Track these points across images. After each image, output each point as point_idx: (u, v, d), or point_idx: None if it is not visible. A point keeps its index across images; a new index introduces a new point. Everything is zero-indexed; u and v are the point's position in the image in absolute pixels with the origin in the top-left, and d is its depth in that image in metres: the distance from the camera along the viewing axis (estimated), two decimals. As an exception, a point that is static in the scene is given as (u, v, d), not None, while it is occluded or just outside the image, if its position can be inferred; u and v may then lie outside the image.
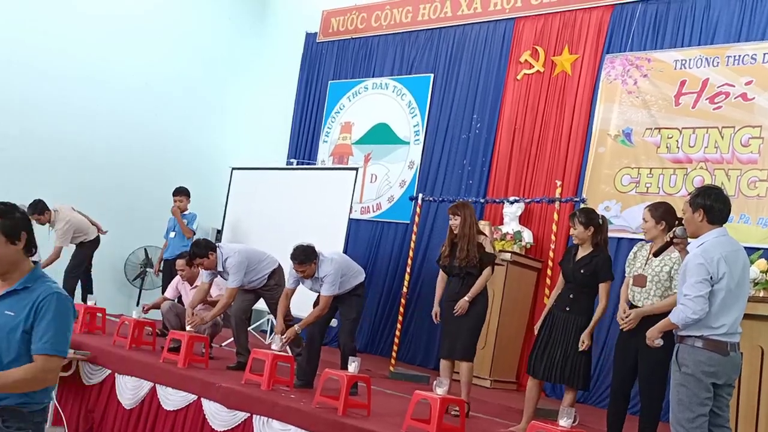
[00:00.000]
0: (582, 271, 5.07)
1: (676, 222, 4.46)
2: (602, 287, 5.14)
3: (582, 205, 8.25)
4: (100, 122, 10.85)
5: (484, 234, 6.04)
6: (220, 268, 6.53)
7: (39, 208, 8.42)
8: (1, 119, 9.85)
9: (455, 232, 5.89)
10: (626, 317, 4.66)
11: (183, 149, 11.79)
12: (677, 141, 8.00)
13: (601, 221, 5.23)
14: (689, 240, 4.04)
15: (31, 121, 10.14)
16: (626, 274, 4.93)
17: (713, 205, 3.89)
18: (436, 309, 5.98)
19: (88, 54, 10.68)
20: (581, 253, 5.20)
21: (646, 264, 4.76)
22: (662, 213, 4.68)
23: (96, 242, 9.15)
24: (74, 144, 10.57)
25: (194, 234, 9.16)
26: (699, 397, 3.74)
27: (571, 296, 5.15)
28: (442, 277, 6.13)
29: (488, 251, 5.81)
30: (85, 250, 9.00)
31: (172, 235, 9.47)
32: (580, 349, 4.96)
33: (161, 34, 11.57)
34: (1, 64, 9.83)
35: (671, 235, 4.16)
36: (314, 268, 6.02)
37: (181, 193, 9.37)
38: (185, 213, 9.23)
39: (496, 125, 9.60)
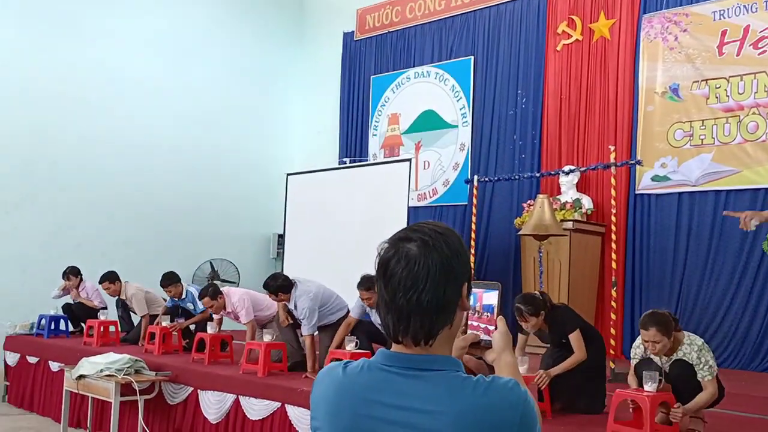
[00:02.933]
0: (564, 341, 4.90)
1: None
2: (572, 339, 4.80)
3: (638, 168, 8.30)
4: (160, 148, 11.21)
5: None
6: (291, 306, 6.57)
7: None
8: (60, 154, 10.27)
9: None
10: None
11: (238, 162, 12.11)
12: (726, 90, 7.93)
13: (542, 298, 4.97)
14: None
15: (90, 156, 10.54)
16: (631, 357, 4.49)
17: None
18: None
19: (141, 83, 11.03)
20: (545, 329, 4.96)
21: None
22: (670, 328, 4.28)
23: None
24: (135, 173, 10.95)
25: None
26: None
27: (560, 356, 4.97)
28: None
29: None
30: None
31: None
32: (537, 382, 4.64)
33: (208, 56, 11.86)
34: (54, 99, 10.20)
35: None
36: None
37: (170, 283, 7.92)
38: (183, 298, 8.05)
39: (542, 98, 9.64)
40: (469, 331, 1.60)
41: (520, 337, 5.17)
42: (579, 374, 4.74)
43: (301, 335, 6.87)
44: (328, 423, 1.46)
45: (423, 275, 1.40)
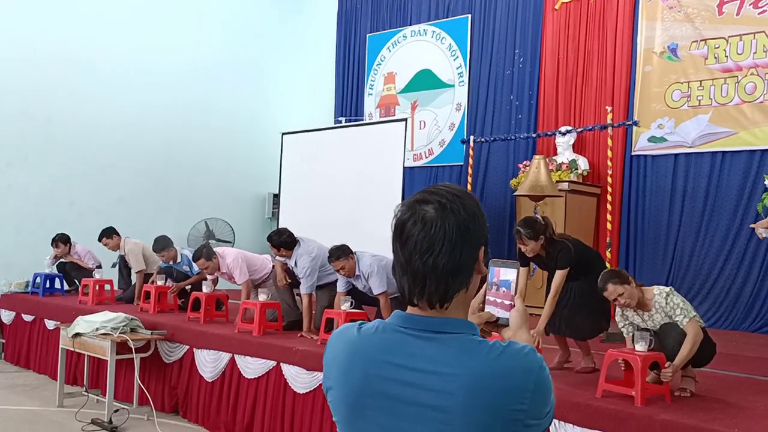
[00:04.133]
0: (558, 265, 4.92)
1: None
2: (556, 275, 4.85)
3: (634, 129, 8.26)
4: (155, 107, 11.11)
5: None
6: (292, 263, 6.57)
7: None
8: (53, 112, 10.19)
9: None
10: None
11: (233, 121, 12.02)
12: (725, 50, 7.87)
13: (543, 222, 4.99)
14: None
15: (84, 114, 10.45)
16: (625, 334, 4.42)
17: None
18: None
19: (136, 41, 10.87)
20: (543, 256, 4.98)
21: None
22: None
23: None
24: (130, 132, 10.87)
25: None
26: None
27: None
28: None
29: None
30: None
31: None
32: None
33: (202, 14, 11.65)
34: (48, 57, 10.06)
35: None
36: (353, 264, 5.98)
37: (162, 247, 7.72)
38: (178, 262, 7.86)
39: (539, 58, 9.55)
40: (486, 308, 1.58)
41: (521, 272, 5.13)
42: (581, 306, 4.91)
43: (298, 294, 6.91)
44: (340, 382, 1.46)
45: (440, 238, 1.39)
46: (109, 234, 8.37)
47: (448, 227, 1.40)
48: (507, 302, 1.59)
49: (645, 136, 8.41)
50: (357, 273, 5.97)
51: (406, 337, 1.41)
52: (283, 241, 6.37)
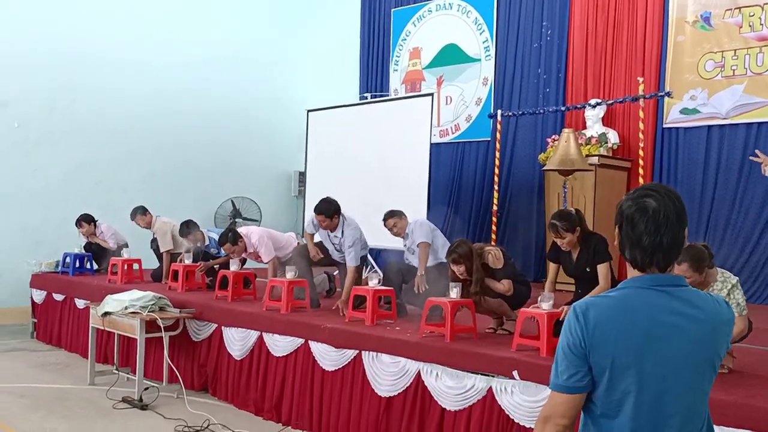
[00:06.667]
0: (588, 269, 4.80)
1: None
2: (601, 268, 4.72)
3: (666, 100, 8.08)
4: (181, 85, 11.10)
5: (488, 253, 5.22)
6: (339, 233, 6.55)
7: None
8: (79, 92, 10.23)
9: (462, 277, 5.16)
10: None
11: (259, 99, 11.95)
12: (760, 18, 7.64)
13: (577, 215, 4.88)
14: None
15: (110, 93, 10.47)
16: None
17: None
18: None
19: (161, 20, 10.84)
20: (576, 251, 4.89)
21: None
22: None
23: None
24: (156, 111, 10.88)
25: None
26: None
27: (580, 291, 4.88)
28: None
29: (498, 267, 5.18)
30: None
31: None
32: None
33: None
34: (74, 37, 10.07)
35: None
36: (405, 224, 6.24)
37: (189, 232, 7.78)
38: (206, 245, 7.93)
39: (567, 30, 9.37)
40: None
41: (551, 268, 5.10)
42: None
43: (323, 273, 6.93)
44: (618, 341, 1.83)
45: (663, 222, 1.87)
46: (141, 212, 8.39)
47: (668, 213, 1.88)
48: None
49: (677, 108, 8.22)
50: (407, 232, 6.20)
51: (658, 293, 1.88)
52: (336, 209, 6.37)
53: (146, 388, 6.14)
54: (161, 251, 8.23)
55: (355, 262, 6.26)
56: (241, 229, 7.12)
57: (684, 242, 1.93)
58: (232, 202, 11.52)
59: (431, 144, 9.16)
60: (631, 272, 1.95)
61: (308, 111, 10.81)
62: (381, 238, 7.59)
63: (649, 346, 1.83)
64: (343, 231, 6.43)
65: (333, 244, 6.64)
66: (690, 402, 1.88)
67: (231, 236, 6.90)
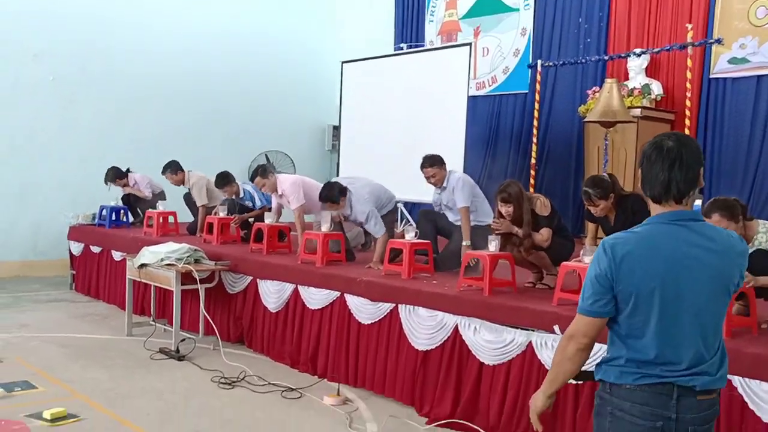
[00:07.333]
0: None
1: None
2: None
3: (714, 48, 7.78)
4: (214, 39, 11.00)
5: (537, 199, 5.09)
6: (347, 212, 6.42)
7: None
8: (115, 47, 10.18)
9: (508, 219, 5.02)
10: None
11: (293, 51, 11.84)
12: (817, -39, 7.27)
13: (611, 180, 4.75)
14: None
15: (145, 48, 10.43)
16: None
17: None
18: None
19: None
20: (612, 214, 4.75)
21: None
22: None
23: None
24: (190, 64, 10.82)
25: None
26: None
27: None
28: None
29: (544, 215, 5.01)
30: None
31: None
32: None
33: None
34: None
35: None
36: (444, 174, 6.00)
37: (225, 183, 7.72)
38: (241, 197, 7.87)
39: (610, -24, 9.02)
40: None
41: (590, 226, 4.97)
42: None
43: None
44: (643, 272, 2.08)
45: (676, 159, 2.11)
46: (173, 169, 8.31)
47: (685, 153, 2.11)
48: None
49: (725, 57, 7.90)
50: (444, 185, 5.99)
51: (677, 227, 2.11)
52: (340, 190, 6.15)
53: (183, 340, 6.18)
54: (198, 205, 8.21)
55: (380, 231, 6.10)
56: (279, 175, 7.04)
57: (699, 180, 2.13)
58: (266, 156, 11.48)
59: (468, 97, 8.95)
60: (654, 209, 2.18)
61: (343, 62, 10.65)
62: (416, 191, 7.48)
63: (671, 275, 2.07)
64: (351, 207, 6.27)
65: (349, 221, 6.55)
66: (708, 323, 2.12)
67: (261, 170, 6.83)
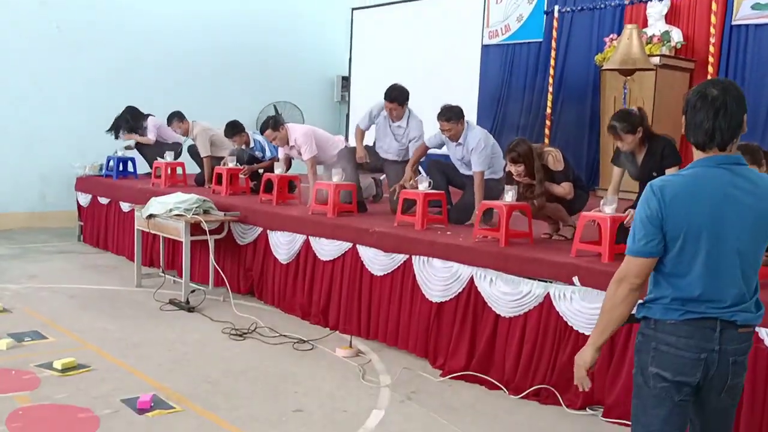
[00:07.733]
0: (654, 173, 4.41)
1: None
2: (669, 173, 4.33)
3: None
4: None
5: (548, 154, 4.96)
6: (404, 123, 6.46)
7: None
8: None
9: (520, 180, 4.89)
10: None
11: (301, 1, 11.57)
12: None
13: (639, 114, 4.53)
14: None
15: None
16: None
17: None
18: None
19: None
20: (640, 154, 4.56)
21: None
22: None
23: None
24: (197, 12, 10.61)
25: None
26: None
27: None
28: None
29: (558, 170, 4.92)
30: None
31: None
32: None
33: None
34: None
35: None
36: (461, 129, 5.68)
37: (235, 132, 7.59)
38: (251, 147, 7.75)
39: None
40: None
41: (615, 173, 4.79)
42: None
43: (369, 178, 6.76)
44: (691, 212, 2.16)
45: (721, 107, 2.16)
46: (180, 118, 8.17)
47: (729, 100, 2.17)
48: None
49: (748, 3, 7.63)
50: (460, 141, 5.72)
51: (721, 170, 2.18)
52: (407, 96, 6.31)
53: (192, 291, 6.12)
54: (202, 156, 8.07)
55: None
56: (289, 125, 6.87)
57: (742, 127, 2.19)
58: (275, 107, 11.32)
59: (482, 46, 8.73)
60: (697, 154, 2.24)
61: (353, 9, 10.39)
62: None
63: (716, 215, 2.16)
64: (408, 121, 6.25)
65: (394, 134, 6.44)
66: (749, 264, 2.22)
67: (272, 122, 6.66)
